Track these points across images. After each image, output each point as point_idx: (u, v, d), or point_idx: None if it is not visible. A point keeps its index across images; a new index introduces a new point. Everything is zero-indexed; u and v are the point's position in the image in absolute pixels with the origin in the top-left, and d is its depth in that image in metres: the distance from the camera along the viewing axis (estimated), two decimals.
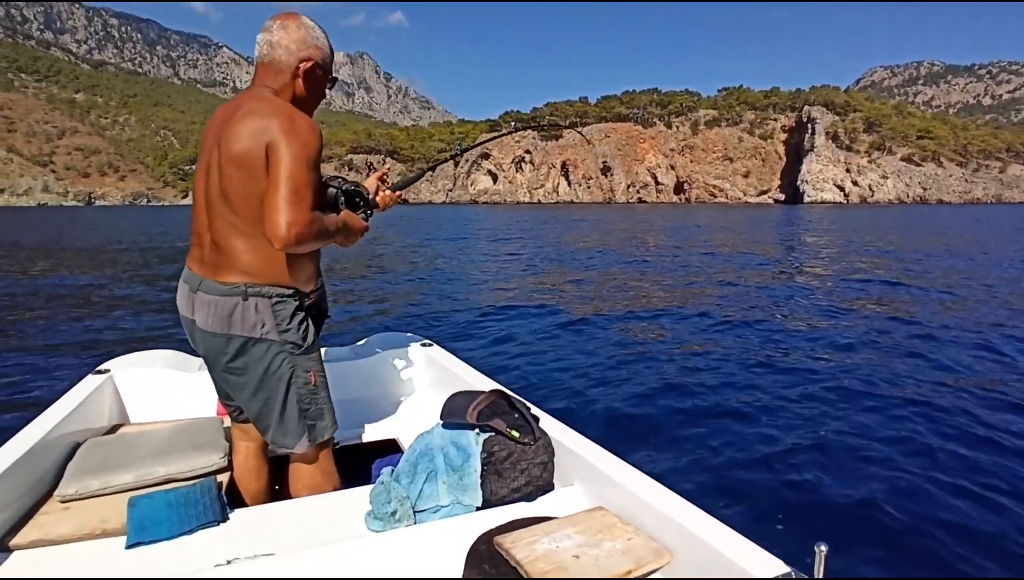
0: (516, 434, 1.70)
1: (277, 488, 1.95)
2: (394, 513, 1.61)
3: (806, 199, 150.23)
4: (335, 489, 1.83)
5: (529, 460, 1.68)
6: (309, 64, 1.66)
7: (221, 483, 1.77)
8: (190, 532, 1.55)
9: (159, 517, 1.55)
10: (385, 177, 2.02)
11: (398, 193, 1.98)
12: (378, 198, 1.92)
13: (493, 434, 1.70)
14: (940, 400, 4.34)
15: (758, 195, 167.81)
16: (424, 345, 2.87)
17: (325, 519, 1.67)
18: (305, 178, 1.49)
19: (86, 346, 6.05)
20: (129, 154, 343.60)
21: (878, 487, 3.04)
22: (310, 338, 1.71)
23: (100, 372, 2.40)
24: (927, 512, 2.81)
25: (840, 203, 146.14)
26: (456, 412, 1.81)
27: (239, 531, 1.59)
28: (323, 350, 2.68)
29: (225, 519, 1.63)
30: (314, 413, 1.74)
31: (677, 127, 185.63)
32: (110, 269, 13.75)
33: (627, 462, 1.62)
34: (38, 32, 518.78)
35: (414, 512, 1.64)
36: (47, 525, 1.57)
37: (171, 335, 6.30)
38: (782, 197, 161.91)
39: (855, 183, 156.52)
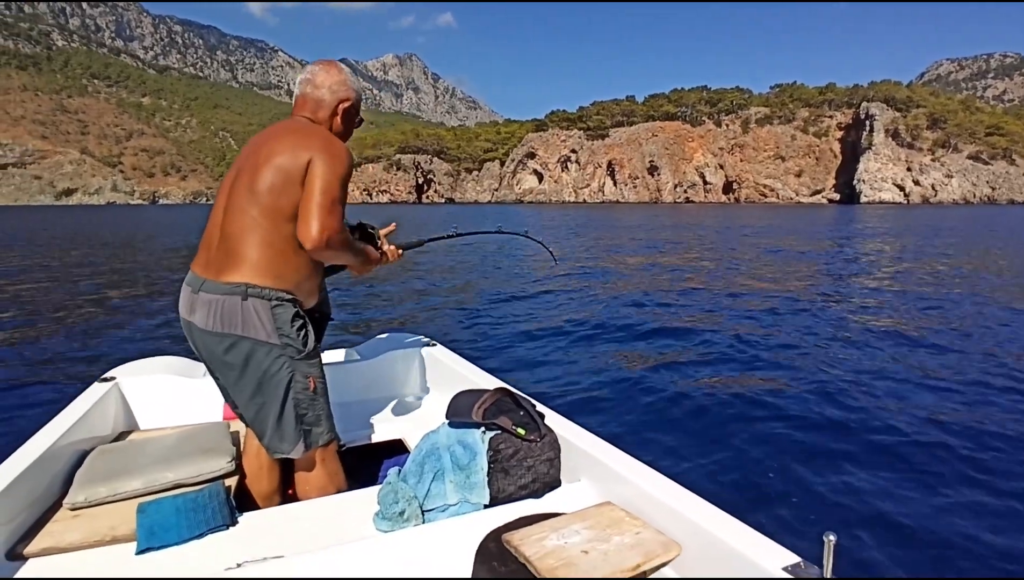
0: (522, 431, 1.71)
1: (290, 491, 1.95)
2: (402, 513, 1.62)
3: (863, 199, 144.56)
4: (340, 490, 1.85)
5: (535, 457, 1.69)
6: (348, 104, 1.84)
7: (229, 487, 1.78)
8: (199, 537, 1.56)
9: (168, 523, 1.57)
10: (391, 234, 2.14)
11: (400, 250, 2.10)
12: (385, 248, 2.04)
13: (499, 432, 1.71)
14: (962, 397, 4.30)
15: (811, 195, 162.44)
16: (428, 345, 2.89)
17: (333, 521, 1.68)
18: (338, 192, 1.64)
19: (91, 353, 6.05)
20: (190, 155, 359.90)
21: (888, 481, 3.06)
22: (310, 343, 1.74)
23: (106, 380, 2.41)
24: (937, 506, 2.83)
25: (900, 203, 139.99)
26: (461, 411, 1.82)
27: (248, 534, 1.60)
28: (327, 352, 2.77)
29: (234, 523, 1.64)
30: (311, 419, 1.76)
31: (727, 125, 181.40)
32: (119, 273, 13.54)
33: (633, 456, 1.62)
34: (110, 40, 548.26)
35: (422, 511, 1.65)
36: (57, 533, 1.59)
37: (177, 340, 6.31)
38: (836, 197, 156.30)
39: (916, 182, 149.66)
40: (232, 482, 1.83)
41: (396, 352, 2.84)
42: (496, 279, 11.24)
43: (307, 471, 1.82)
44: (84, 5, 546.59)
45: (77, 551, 1.54)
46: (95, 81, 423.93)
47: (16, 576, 1.45)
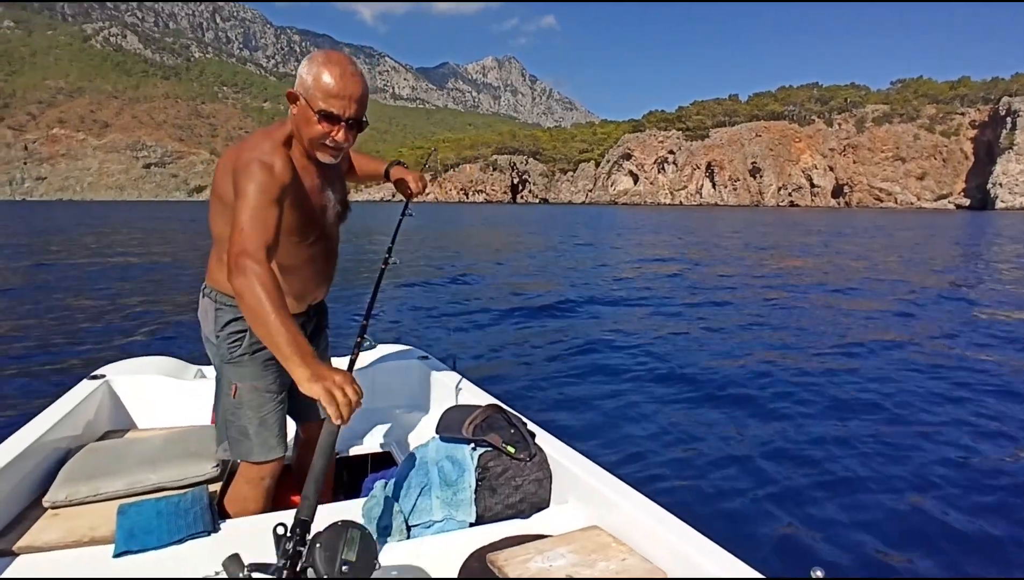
0: (512, 450, 1.68)
1: (276, 497, 1.89)
2: (387, 527, 1.59)
3: (998, 205, 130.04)
4: (251, 514, 1.74)
5: (524, 476, 1.67)
6: (292, 92, 1.52)
7: (213, 493, 1.74)
8: (179, 542, 1.52)
9: (149, 526, 1.53)
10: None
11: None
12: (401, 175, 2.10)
13: (489, 449, 1.68)
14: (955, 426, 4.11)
15: (935, 200, 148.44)
16: (421, 358, 2.85)
17: None
18: (254, 212, 1.40)
19: (83, 350, 5.88)
20: None
21: (875, 516, 2.98)
22: (239, 350, 1.69)
23: (95, 377, 2.38)
24: (926, 543, 2.73)
25: None
26: (452, 426, 1.80)
27: (229, 542, 1.54)
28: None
29: (216, 529, 1.59)
30: (237, 429, 1.70)
31: (839, 125, 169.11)
32: (119, 268, 13.40)
33: (623, 480, 1.59)
34: (238, 50, 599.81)
35: (407, 527, 1.62)
36: (35, 531, 1.56)
37: (170, 341, 6.37)
38: (966, 202, 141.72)
39: None
40: (216, 487, 1.79)
41: (389, 364, 2.81)
42: (500, 294, 10.78)
43: (235, 481, 1.78)
44: (217, 19, 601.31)
45: (54, 550, 1.51)
46: (224, 88, 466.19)
47: None
